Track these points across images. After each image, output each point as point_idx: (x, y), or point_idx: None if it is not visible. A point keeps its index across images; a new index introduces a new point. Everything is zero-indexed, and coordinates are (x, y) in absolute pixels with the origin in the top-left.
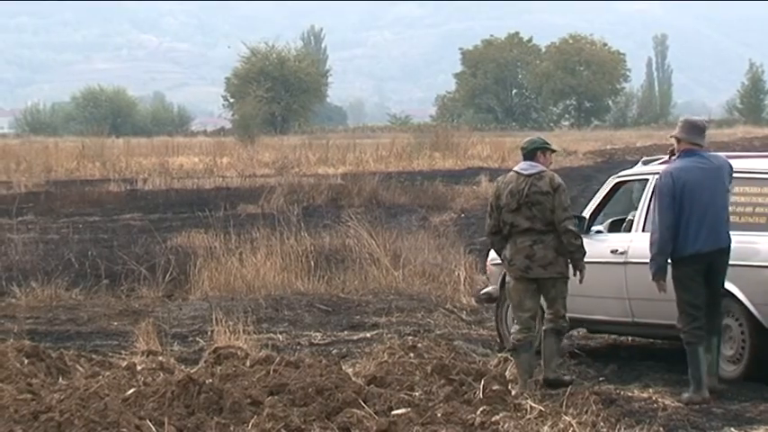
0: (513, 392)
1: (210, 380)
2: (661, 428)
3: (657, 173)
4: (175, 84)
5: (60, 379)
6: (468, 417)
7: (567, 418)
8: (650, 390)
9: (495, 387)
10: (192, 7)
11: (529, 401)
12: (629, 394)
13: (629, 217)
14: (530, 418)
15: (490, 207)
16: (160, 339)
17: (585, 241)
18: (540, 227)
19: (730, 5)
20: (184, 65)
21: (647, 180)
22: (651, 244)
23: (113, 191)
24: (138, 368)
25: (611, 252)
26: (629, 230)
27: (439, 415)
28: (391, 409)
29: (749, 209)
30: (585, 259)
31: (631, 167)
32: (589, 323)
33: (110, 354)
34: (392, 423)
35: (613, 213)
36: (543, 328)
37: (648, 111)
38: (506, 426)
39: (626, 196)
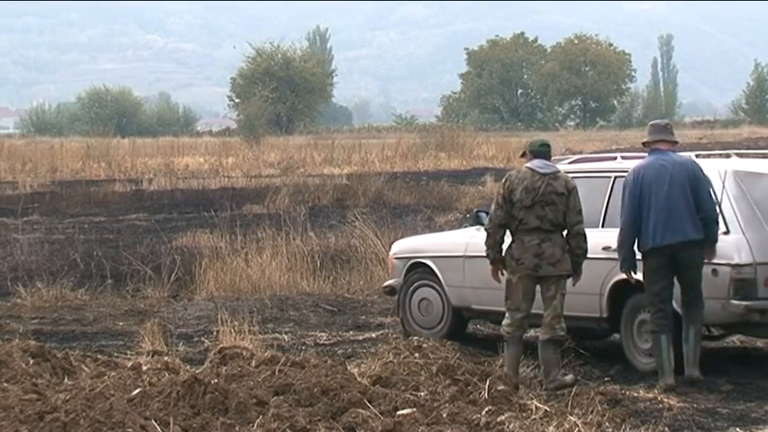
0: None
1: (216, 380)
2: (666, 428)
3: (576, 172)
4: (181, 84)
5: (66, 379)
6: (474, 417)
7: (572, 418)
8: (655, 390)
9: (500, 387)
10: (197, 7)
11: (534, 401)
12: (635, 394)
13: None
14: (535, 419)
15: (502, 199)
16: (165, 339)
17: None
18: (547, 226)
19: (736, 5)
20: (190, 65)
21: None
22: (617, 239)
23: (119, 191)
24: (144, 368)
25: None
26: None
27: (444, 415)
28: (396, 409)
29: None
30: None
31: None
32: (497, 315)
33: (115, 354)
34: (397, 423)
35: None
36: (540, 338)
37: (654, 111)
38: (511, 426)
39: None
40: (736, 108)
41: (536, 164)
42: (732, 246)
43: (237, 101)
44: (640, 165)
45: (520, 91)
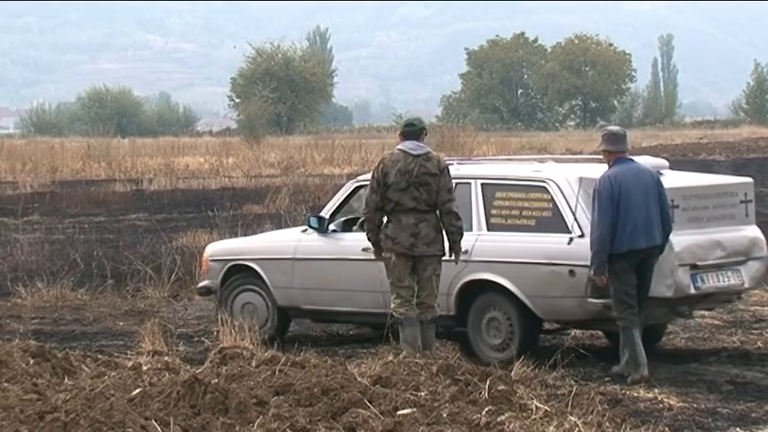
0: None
1: (216, 380)
2: (666, 428)
3: None
4: (181, 84)
5: (66, 379)
6: (474, 417)
7: (572, 418)
8: (656, 390)
9: (500, 387)
10: (197, 7)
11: (534, 401)
12: (635, 394)
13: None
14: (535, 419)
15: (376, 183)
16: (166, 339)
17: (328, 240)
18: (423, 207)
19: (736, 5)
20: (190, 65)
21: None
22: (591, 243)
23: (119, 191)
24: (144, 368)
25: (363, 250)
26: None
27: (444, 415)
28: (397, 409)
29: (515, 212)
30: (335, 257)
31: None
32: (339, 315)
33: (115, 354)
34: (397, 423)
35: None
36: (420, 319)
37: (654, 111)
38: (512, 426)
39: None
40: (737, 108)
41: (408, 145)
42: (588, 248)
43: (238, 101)
44: (615, 172)
45: (520, 91)
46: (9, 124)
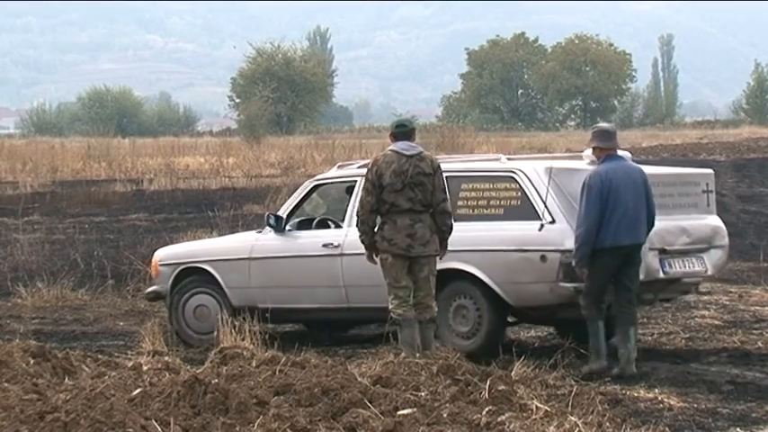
0: (402, 357)
1: (216, 380)
2: (667, 428)
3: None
4: (181, 84)
5: (66, 379)
6: (474, 417)
7: (572, 418)
8: (656, 390)
9: (500, 387)
10: (197, 7)
11: (535, 402)
12: (635, 394)
13: (319, 217)
14: (535, 419)
15: (371, 185)
16: (166, 340)
17: (285, 239)
18: (418, 207)
19: (736, 5)
20: (190, 65)
21: (356, 182)
22: (577, 236)
23: (119, 191)
24: (144, 368)
25: (324, 246)
26: (326, 227)
27: (445, 415)
28: (397, 409)
29: (483, 202)
30: (292, 254)
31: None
32: (299, 312)
33: (116, 354)
34: (398, 423)
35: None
36: (419, 319)
37: (654, 111)
38: (512, 426)
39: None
40: (737, 108)
41: (401, 146)
42: (560, 234)
43: (238, 101)
44: (606, 169)
45: (520, 91)
46: (9, 124)
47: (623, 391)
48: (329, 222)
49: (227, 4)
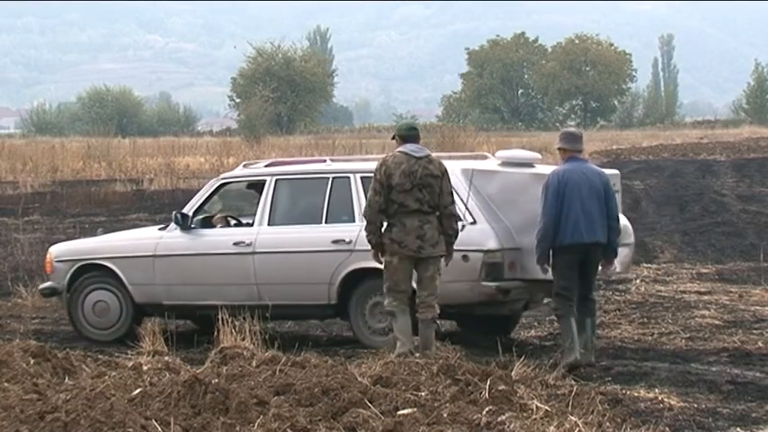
0: (398, 352)
1: (216, 380)
2: (667, 428)
3: (275, 174)
4: (181, 84)
5: (66, 379)
6: (474, 417)
7: (572, 418)
8: (656, 390)
9: (500, 387)
10: (198, 7)
11: (535, 401)
12: (635, 394)
13: (219, 214)
14: (536, 419)
15: (379, 185)
16: (166, 339)
17: (191, 236)
18: (426, 208)
19: (736, 5)
20: (190, 65)
21: (265, 181)
22: (536, 233)
23: (119, 191)
24: (144, 368)
25: (235, 244)
26: (227, 226)
27: (445, 415)
28: (397, 409)
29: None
30: (202, 252)
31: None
32: (207, 309)
33: (116, 354)
34: (398, 423)
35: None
36: (421, 318)
37: (654, 111)
38: (512, 426)
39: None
40: (737, 108)
41: (409, 148)
42: (481, 234)
43: (238, 101)
44: (563, 169)
45: (520, 91)
46: (9, 124)
47: (623, 391)
48: (228, 219)
49: (228, 4)
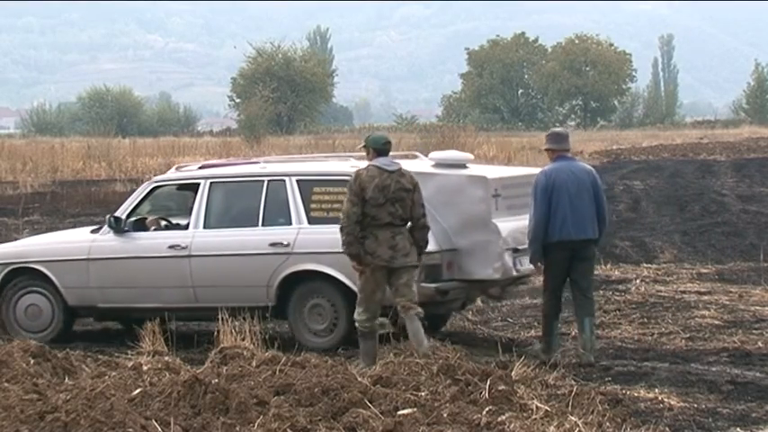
0: (360, 367)
1: (216, 380)
2: (667, 428)
3: (209, 177)
4: (181, 84)
5: (66, 379)
6: (474, 417)
7: (572, 418)
8: (656, 390)
9: (500, 387)
10: (198, 7)
11: (535, 401)
12: (635, 394)
13: (151, 217)
14: (536, 419)
15: (355, 197)
16: (166, 339)
17: (125, 239)
18: (397, 222)
19: (736, 5)
20: (190, 65)
21: (199, 183)
22: (528, 232)
23: (119, 191)
24: (144, 368)
25: (170, 247)
26: (157, 229)
27: (445, 415)
28: (397, 409)
29: (337, 206)
30: (137, 255)
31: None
32: (143, 311)
33: (116, 354)
34: (398, 423)
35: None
36: (406, 317)
37: (654, 111)
38: (512, 426)
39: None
40: (737, 108)
41: (382, 162)
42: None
43: (238, 101)
44: (552, 168)
45: (521, 91)
46: (9, 124)
47: (623, 391)
48: (160, 221)
49: (228, 4)
